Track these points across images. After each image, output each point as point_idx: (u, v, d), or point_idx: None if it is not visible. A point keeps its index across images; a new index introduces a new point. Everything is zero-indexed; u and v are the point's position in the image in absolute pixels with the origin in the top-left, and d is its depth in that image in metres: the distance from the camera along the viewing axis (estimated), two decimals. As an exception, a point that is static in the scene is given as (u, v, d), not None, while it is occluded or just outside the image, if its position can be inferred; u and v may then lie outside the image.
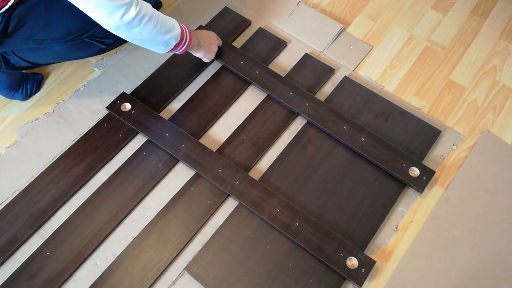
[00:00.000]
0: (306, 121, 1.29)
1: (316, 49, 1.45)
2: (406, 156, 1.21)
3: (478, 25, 1.54)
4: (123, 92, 1.30)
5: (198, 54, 1.29)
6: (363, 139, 1.23)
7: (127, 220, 1.13)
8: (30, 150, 1.22)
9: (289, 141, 1.26)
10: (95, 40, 1.19)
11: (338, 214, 1.15)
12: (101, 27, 1.06)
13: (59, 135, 1.25)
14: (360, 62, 1.44)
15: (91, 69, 1.39)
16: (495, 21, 1.55)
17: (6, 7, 0.97)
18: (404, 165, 1.19)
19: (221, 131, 1.28)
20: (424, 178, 1.18)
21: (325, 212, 1.16)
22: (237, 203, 1.15)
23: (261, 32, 1.46)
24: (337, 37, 1.48)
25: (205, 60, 1.34)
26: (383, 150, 1.21)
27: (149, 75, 1.36)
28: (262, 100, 1.32)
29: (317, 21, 1.51)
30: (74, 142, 1.23)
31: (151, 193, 1.17)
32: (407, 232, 1.15)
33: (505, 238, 1.14)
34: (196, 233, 1.12)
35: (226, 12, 1.49)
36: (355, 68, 1.42)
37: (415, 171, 1.19)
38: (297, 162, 1.23)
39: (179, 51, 1.17)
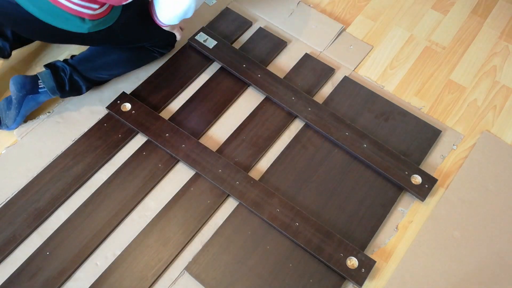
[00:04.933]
0: (306, 121, 1.28)
1: (316, 49, 1.45)
2: (408, 163, 1.20)
3: (478, 25, 1.54)
4: (123, 92, 1.29)
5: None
6: (365, 145, 1.22)
7: (127, 220, 1.13)
8: (30, 150, 1.22)
9: (289, 141, 1.26)
10: (156, 50, 1.33)
11: (338, 214, 1.15)
12: (169, 36, 1.29)
13: (59, 135, 1.25)
14: (360, 62, 1.44)
15: (91, 69, 1.39)
16: (495, 21, 1.55)
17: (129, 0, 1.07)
18: (406, 173, 1.19)
19: (221, 131, 1.28)
20: (426, 186, 1.18)
21: (325, 212, 1.16)
22: (237, 203, 1.15)
23: (261, 32, 1.46)
24: (337, 37, 1.48)
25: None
26: (385, 157, 1.21)
27: (149, 75, 1.36)
28: (262, 100, 1.32)
29: (317, 21, 1.51)
30: (73, 142, 1.23)
31: (151, 193, 1.17)
32: (407, 232, 1.15)
33: (505, 238, 1.14)
34: (196, 233, 1.12)
35: (227, 12, 1.49)
36: (355, 68, 1.42)
37: (417, 179, 1.19)
38: (297, 162, 1.23)
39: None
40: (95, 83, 1.30)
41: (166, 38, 1.32)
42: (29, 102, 1.21)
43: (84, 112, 1.29)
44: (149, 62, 1.36)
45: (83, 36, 1.11)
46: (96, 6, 1.05)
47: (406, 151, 1.25)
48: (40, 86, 1.20)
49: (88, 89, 1.28)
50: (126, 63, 1.32)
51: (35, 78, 1.20)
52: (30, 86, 1.19)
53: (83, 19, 1.06)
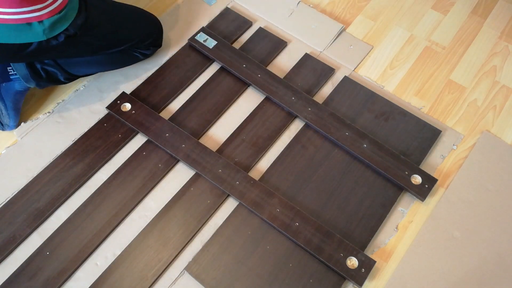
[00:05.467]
0: (306, 121, 1.28)
1: (316, 49, 1.45)
2: (408, 163, 1.20)
3: (478, 25, 1.54)
4: (123, 92, 1.29)
5: None
6: (365, 145, 1.22)
7: (127, 220, 1.13)
8: (30, 150, 1.22)
9: (289, 141, 1.26)
10: (138, 51, 1.29)
11: (338, 214, 1.15)
12: (148, 36, 1.24)
13: (59, 135, 1.25)
14: (360, 62, 1.44)
15: (91, 69, 1.39)
16: (495, 21, 1.55)
17: None
18: (406, 173, 1.19)
19: (221, 131, 1.28)
20: (426, 186, 1.18)
21: (325, 212, 1.16)
22: (237, 203, 1.15)
23: (261, 32, 1.46)
24: (337, 37, 1.48)
25: None
26: (385, 157, 1.21)
27: (149, 75, 1.36)
28: (262, 100, 1.32)
29: (317, 21, 1.51)
30: (73, 141, 1.23)
31: (151, 193, 1.17)
32: (407, 232, 1.15)
33: (505, 238, 1.14)
34: (196, 233, 1.12)
35: (227, 12, 1.49)
36: (355, 68, 1.42)
37: (417, 179, 1.19)
38: (297, 162, 1.23)
39: None
40: (71, 75, 1.25)
41: (145, 38, 1.28)
42: (7, 92, 1.18)
43: (84, 112, 1.29)
44: (131, 63, 1.34)
45: (44, 47, 1.05)
46: (40, 6, 0.99)
47: (406, 151, 1.25)
48: (10, 73, 1.17)
49: (66, 79, 1.24)
50: (104, 64, 1.28)
51: (3, 65, 1.17)
52: None
53: (30, 24, 0.99)
